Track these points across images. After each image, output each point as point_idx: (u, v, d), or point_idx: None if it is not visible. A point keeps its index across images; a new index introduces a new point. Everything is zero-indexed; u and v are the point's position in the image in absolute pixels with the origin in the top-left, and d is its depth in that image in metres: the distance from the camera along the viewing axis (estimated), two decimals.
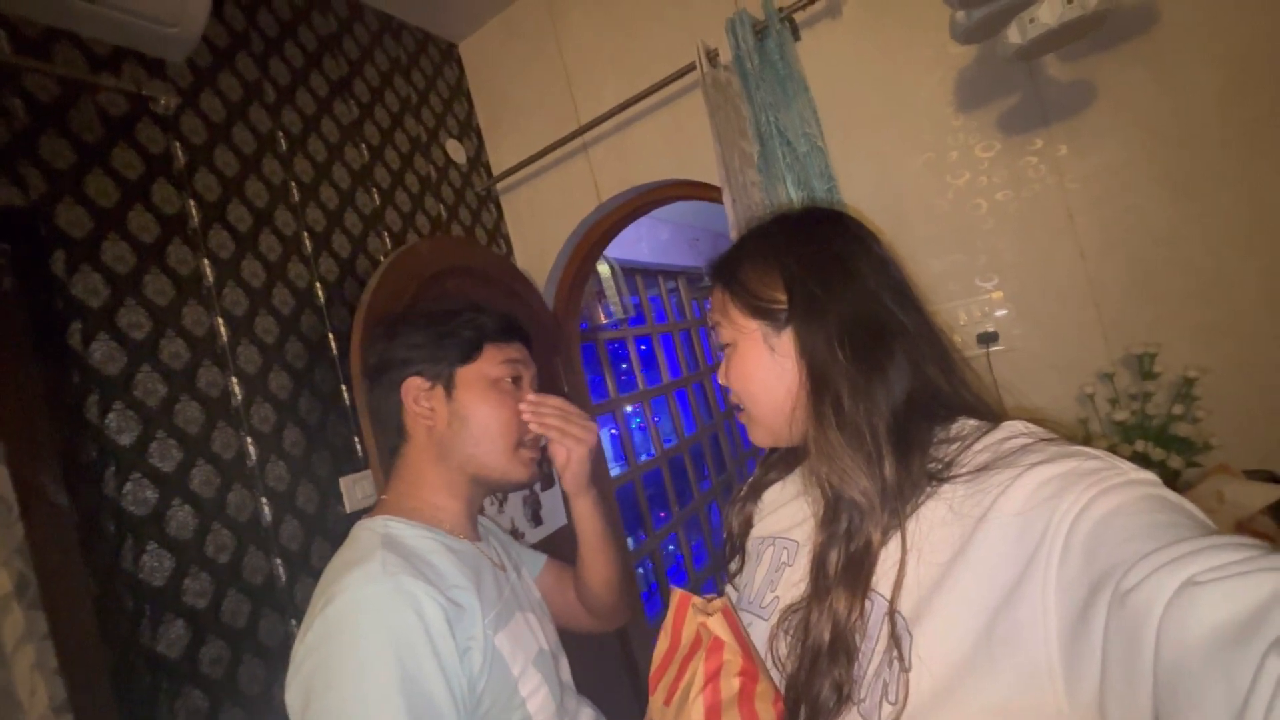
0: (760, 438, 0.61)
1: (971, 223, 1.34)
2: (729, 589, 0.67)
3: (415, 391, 0.76)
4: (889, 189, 1.43)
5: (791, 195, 1.40)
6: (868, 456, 0.49)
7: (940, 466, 0.48)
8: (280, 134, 1.43)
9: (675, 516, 2.90)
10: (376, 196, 1.61)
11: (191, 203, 1.22)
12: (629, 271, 2.83)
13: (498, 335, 0.79)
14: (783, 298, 0.55)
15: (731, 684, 0.49)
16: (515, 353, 0.81)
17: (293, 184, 1.42)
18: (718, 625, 0.53)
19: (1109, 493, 0.37)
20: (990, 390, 0.54)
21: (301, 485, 1.25)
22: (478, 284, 1.69)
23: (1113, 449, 1.14)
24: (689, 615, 0.55)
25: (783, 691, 0.51)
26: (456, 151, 1.92)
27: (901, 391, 0.50)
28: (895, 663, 0.43)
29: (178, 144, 1.23)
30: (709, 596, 0.60)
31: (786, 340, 0.55)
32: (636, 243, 2.96)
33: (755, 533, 0.65)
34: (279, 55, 1.48)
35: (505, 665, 0.66)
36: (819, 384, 0.52)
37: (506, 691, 0.66)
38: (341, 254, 1.48)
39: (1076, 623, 0.35)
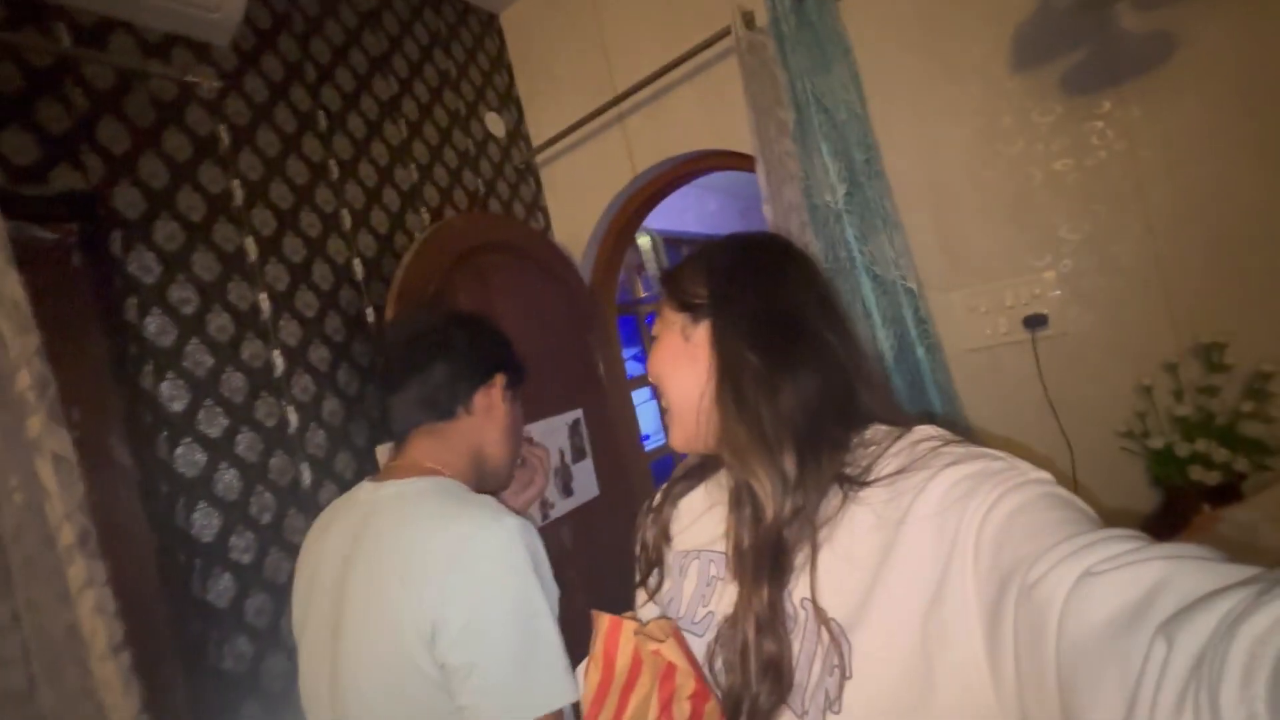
0: (675, 438, 0.62)
1: (1024, 195, 1.23)
2: (649, 605, 0.63)
3: (499, 386, 0.87)
4: (933, 158, 1.33)
5: (828, 165, 1.33)
6: (768, 448, 0.51)
7: (859, 471, 0.49)
8: (320, 112, 1.47)
9: None
10: (415, 172, 1.65)
11: (235, 182, 1.28)
12: (675, 242, 2.79)
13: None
14: (704, 293, 0.59)
15: (683, 708, 0.49)
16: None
17: (332, 161, 1.46)
18: (671, 651, 0.51)
19: (1012, 492, 0.40)
20: (902, 407, 0.54)
21: (340, 453, 1.32)
22: (512, 259, 1.71)
23: (1170, 447, 1.05)
24: (622, 640, 0.53)
25: (723, 703, 0.50)
26: (496, 125, 1.92)
27: (812, 392, 0.52)
28: (836, 670, 0.44)
29: (223, 126, 1.29)
30: (628, 615, 0.58)
31: (701, 332, 0.58)
32: (684, 212, 2.91)
33: (676, 545, 0.64)
34: (320, 33, 1.51)
35: None
36: (724, 374, 0.55)
37: None
38: (380, 230, 1.53)
39: (991, 617, 0.36)
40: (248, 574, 1.14)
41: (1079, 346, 1.20)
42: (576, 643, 0.68)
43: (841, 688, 0.43)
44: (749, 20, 1.44)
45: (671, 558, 0.64)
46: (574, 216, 2.01)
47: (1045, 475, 0.42)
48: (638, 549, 0.67)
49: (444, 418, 0.83)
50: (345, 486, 1.29)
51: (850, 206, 1.32)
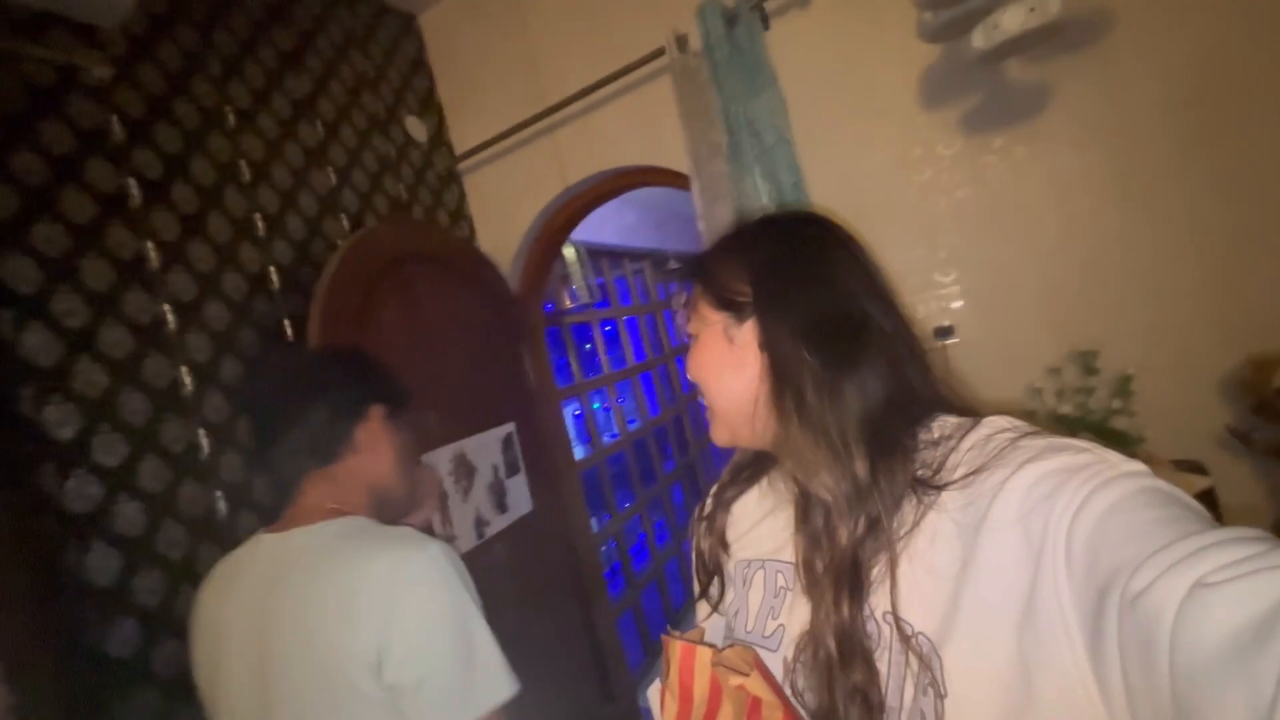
0: (720, 435, 0.59)
1: (932, 219, 1.37)
2: (714, 617, 0.62)
3: (379, 418, 0.85)
4: (853, 184, 1.44)
5: (759, 187, 1.41)
6: (834, 453, 0.48)
7: (930, 473, 0.46)
8: (228, 109, 1.35)
9: (640, 498, 2.93)
10: (333, 176, 1.55)
11: (131, 180, 1.15)
12: (594, 254, 2.81)
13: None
14: (747, 290, 0.54)
15: None
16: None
17: (242, 162, 1.35)
18: (757, 686, 0.48)
19: (1102, 489, 0.36)
20: (965, 387, 0.53)
21: (260, 478, 1.21)
22: (440, 269, 1.66)
23: None
24: (698, 668, 0.51)
25: None
26: (417, 129, 1.85)
27: (878, 392, 0.49)
28: (930, 689, 0.41)
29: (114, 117, 1.15)
30: (683, 634, 0.55)
31: (747, 332, 0.54)
32: (602, 225, 2.93)
33: (736, 554, 0.61)
34: (224, 25, 1.39)
35: None
36: (780, 378, 0.51)
37: None
38: (296, 237, 1.42)
39: (1092, 629, 0.34)
40: (155, 619, 1.02)
41: (980, 353, 1.34)
42: (514, 661, 0.74)
43: (939, 708, 0.41)
44: (682, 43, 1.50)
45: (732, 567, 0.61)
46: (501, 226, 1.97)
47: (1139, 467, 0.38)
48: (694, 559, 0.65)
49: (330, 461, 0.80)
50: (266, 514, 1.19)
51: None
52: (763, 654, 0.52)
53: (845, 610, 0.46)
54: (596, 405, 2.84)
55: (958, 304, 1.36)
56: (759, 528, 0.60)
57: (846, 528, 0.47)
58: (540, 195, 1.89)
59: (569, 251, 2.32)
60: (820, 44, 1.44)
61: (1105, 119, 1.20)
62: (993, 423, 0.46)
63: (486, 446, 1.70)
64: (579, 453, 2.52)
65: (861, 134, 1.43)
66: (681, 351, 3.78)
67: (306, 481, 0.80)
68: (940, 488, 0.45)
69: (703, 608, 0.63)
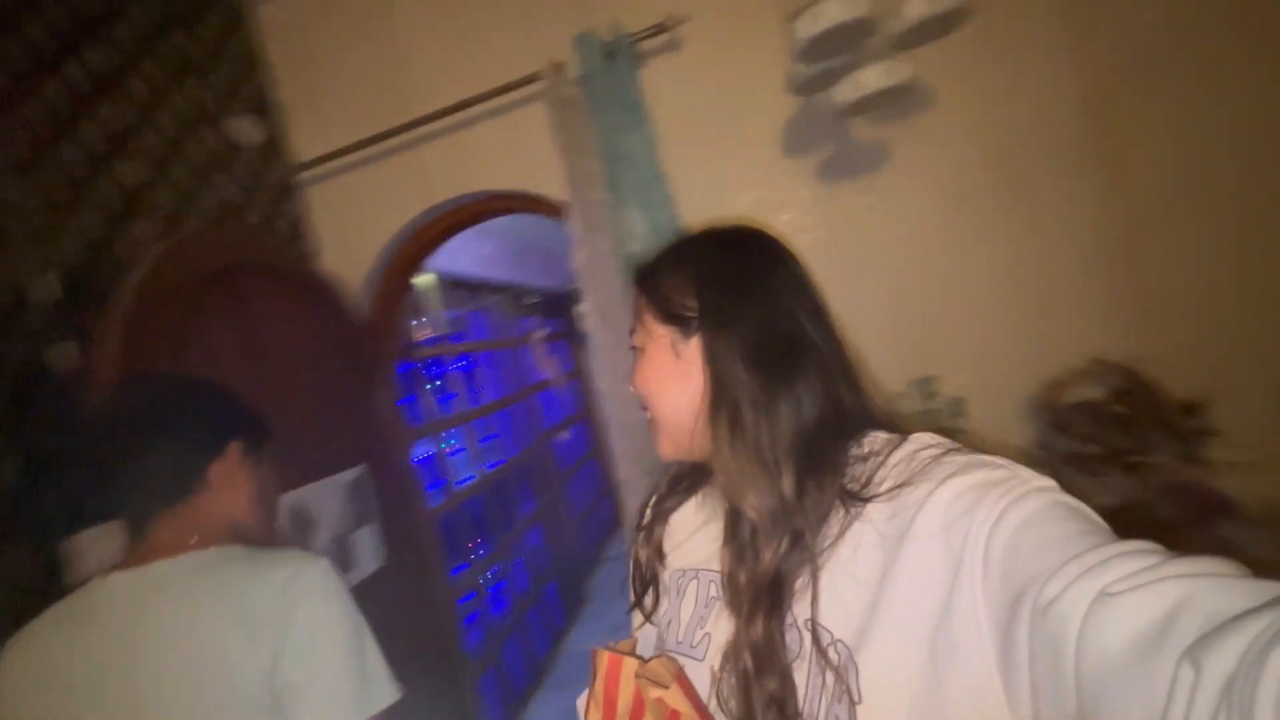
0: (664, 448, 0.60)
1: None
2: (647, 627, 0.62)
3: (235, 455, 0.80)
4: (722, 220, 1.52)
5: (637, 219, 1.43)
6: (766, 471, 0.49)
7: (859, 486, 0.48)
8: None
9: (499, 543, 2.75)
10: (145, 168, 1.29)
11: None
12: (450, 285, 2.66)
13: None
14: (694, 304, 0.55)
15: None
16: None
17: (19, 134, 1.07)
18: (675, 699, 0.48)
19: (1018, 502, 0.39)
20: (892, 403, 0.56)
21: (9, 549, 0.92)
22: (276, 287, 1.44)
23: None
24: (623, 680, 0.51)
25: None
26: (250, 129, 1.63)
27: (811, 409, 0.50)
28: (845, 696, 0.43)
29: None
30: (615, 644, 0.56)
31: (693, 348, 0.55)
32: (458, 253, 2.79)
33: (671, 564, 0.62)
34: None
35: None
36: (719, 394, 0.52)
37: None
38: (93, 235, 1.15)
39: (1004, 637, 0.36)
40: None
41: None
42: None
43: (852, 715, 0.42)
44: (559, 71, 1.49)
45: (667, 577, 0.61)
46: (350, 245, 1.78)
47: (1049, 482, 0.41)
48: (630, 568, 0.65)
49: (181, 500, 0.76)
50: (18, 589, 0.91)
51: None
52: (690, 663, 0.54)
53: (760, 625, 0.47)
54: (452, 446, 2.64)
55: None
56: (694, 538, 0.61)
57: (770, 546, 0.48)
58: (399, 214, 1.75)
59: (424, 279, 2.16)
60: (691, 87, 1.52)
61: (936, 174, 1.40)
62: (918, 439, 0.49)
63: (329, 494, 1.48)
64: (434, 499, 2.30)
65: (730, 175, 1.52)
66: (540, 388, 3.68)
67: (157, 520, 0.75)
68: (867, 500, 0.47)
69: (636, 617, 0.64)
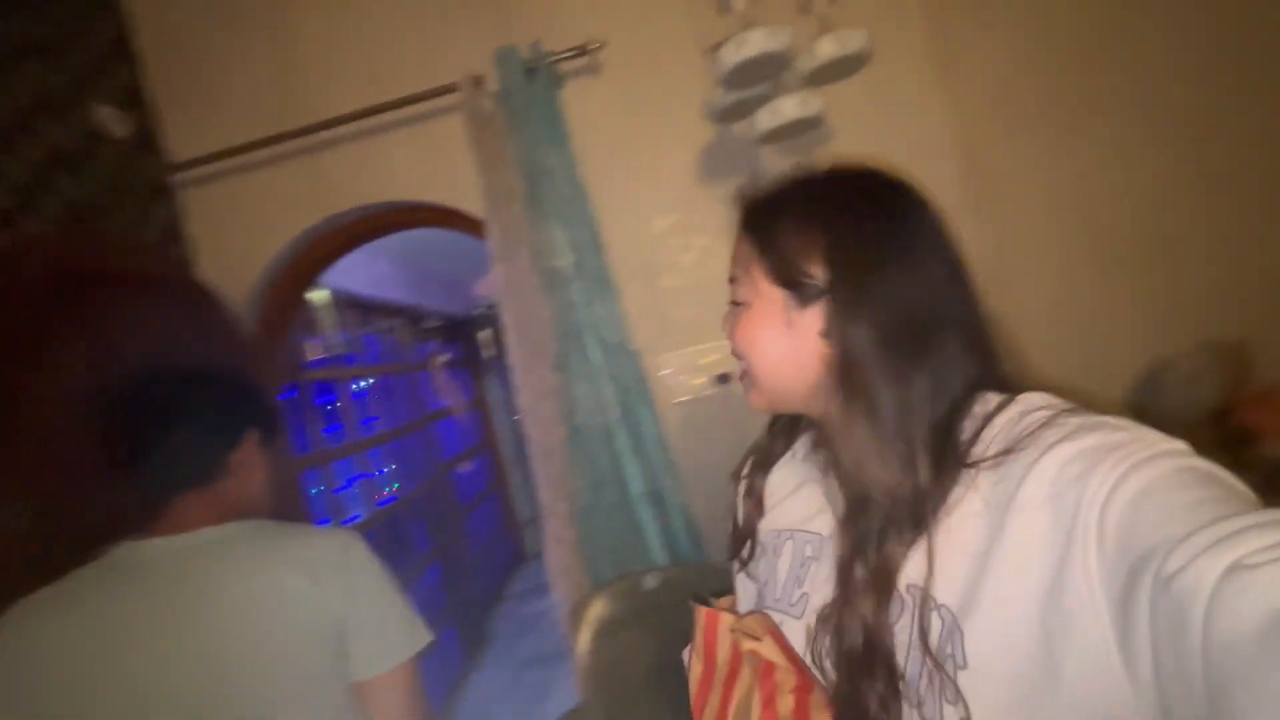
0: (758, 403, 0.58)
1: (710, 278, 1.54)
2: (742, 578, 0.63)
3: (253, 442, 0.85)
4: (644, 241, 1.55)
5: (558, 234, 1.42)
6: (901, 458, 0.46)
7: (963, 447, 0.45)
8: None
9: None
10: None
11: None
12: (344, 304, 2.48)
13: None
14: (818, 271, 0.49)
15: (787, 702, 0.49)
16: None
17: None
18: (770, 650, 0.50)
19: (1139, 468, 0.35)
20: (1019, 356, 0.51)
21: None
22: (148, 297, 1.27)
23: None
24: (720, 634, 0.53)
25: (831, 699, 0.49)
26: (115, 122, 1.44)
27: (948, 387, 0.47)
28: (949, 660, 0.42)
29: None
30: (723, 602, 0.58)
31: (810, 318, 0.50)
32: (353, 271, 2.62)
33: (767, 524, 0.62)
34: None
35: None
36: (851, 378, 0.48)
37: None
38: None
39: (1121, 609, 0.33)
40: None
41: None
42: None
43: (958, 678, 0.41)
44: (478, 84, 1.47)
45: (764, 535, 0.61)
46: (235, 254, 1.62)
47: (1179, 445, 0.37)
48: (731, 523, 0.66)
49: (201, 484, 0.79)
50: None
51: (579, 274, 1.42)
52: (788, 621, 0.54)
53: (870, 607, 0.46)
54: (342, 480, 2.43)
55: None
56: (792, 498, 0.60)
57: (898, 538, 0.46)
58: (292, 223, 1.61)
59: (319, 295, 2.00)
60: (611, 110, 1.55)
61: None
62: (1028, 399, 0.46)
63: None
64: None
65: (650, 199, 1.55)
66: (440, 417, 3.50)
67: (176, 500, 0.78)
68: (972, 466, 0.44)
69: (735, 569, 0.65)
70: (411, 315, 3.29)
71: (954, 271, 0.51)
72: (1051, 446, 0.40)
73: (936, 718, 0.42)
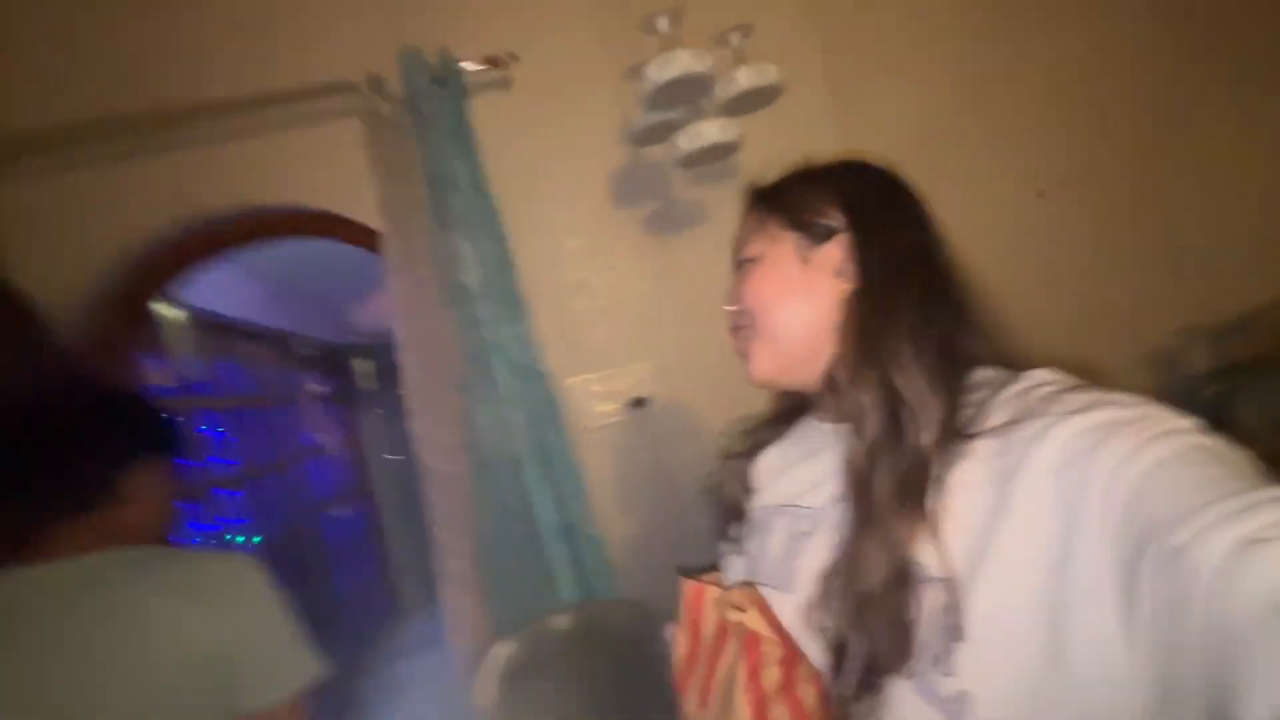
0: (761, 365, 0.57)
1: (624, 302, 1.51)
2: (735, 561, 0.62)
3: (148, 468, 0.82)
4: (556, 260, 1.50)
5: (466, 248, 1.33)
6: (926, 372, 0.47)
7: (967, 419, 0.45)
8: None
9: None
10: None
11: None
12: (201, 325, 2.16)
13: None
14: (834, 213, 0.54)
15: (772, 674, 0.48)
16: None
17: None
18: (755, 622, 0.50)
19: (1149, 444, 0.35)
20: (1017, 341, 0.53)
21: None
22: None
23: None
24: (706, 607, 0.53)
25: (827, 655, 0.47)
26: None
27: (947, 334, 0.50)
28: (949, 630, 0.41)
29: None
30: (709, 577, 0.57)
31: (824, 254, 0.53)
32: (214, 290, 2.31)
33: (759, 501, 0.62)
34: None
35: None
36: (880, 301, 0.50)
37: None
38: None
39: (1126, 583, 0.33)
40: None
41: (670, 422, 1.49)
42: None
43: (956, 650, 0.40)
44: (377, 86, 1.36)
45: (756, 513, 0.61)
46: (60, 259, 1.36)
47: (1189, 423, 0.37)
48: (717, 502, 0.66)
49: (85, 510, 0.76)
50: None
51: (486, 291, 1.34)
52: (780, 596, 0.53)
53: (905, 530, 0.43)
54: (189, 531, 2.07)
55: (650, 378, 1.50)
56: (785, 475, 0.60)
57: (931, 435, 0.45)
58: (137, 225, 1.38)
59: (170, 311, 1.72)
60: (521, 126, 1.50)
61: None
62: (1034, 375, 0.46)
63: None
64: None
65: (561, 217, 1.51)
66: (307, 456, 3.14)
67: (58, 527, 0.75)
68: (975, 435, 0.44)
69: (722, 548, 0.64)
70: (281, 341, 2.96)
71: (945, 242, 0.55)
72: (1060, 419, 0.40)
73: (931, 691, 0.41)
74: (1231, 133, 1.67)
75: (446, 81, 1.36)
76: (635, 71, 1.24)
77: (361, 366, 4.12)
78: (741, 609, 0.51)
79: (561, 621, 1.26)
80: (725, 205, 1.52)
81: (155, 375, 1.71)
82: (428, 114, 1.33)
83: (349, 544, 3.63)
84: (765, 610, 0.52)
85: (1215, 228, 1.65)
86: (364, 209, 1.42)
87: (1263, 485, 0.32)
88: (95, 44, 1.37)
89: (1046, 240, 1.64)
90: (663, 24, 1.10)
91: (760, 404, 1.46)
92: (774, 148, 1.50)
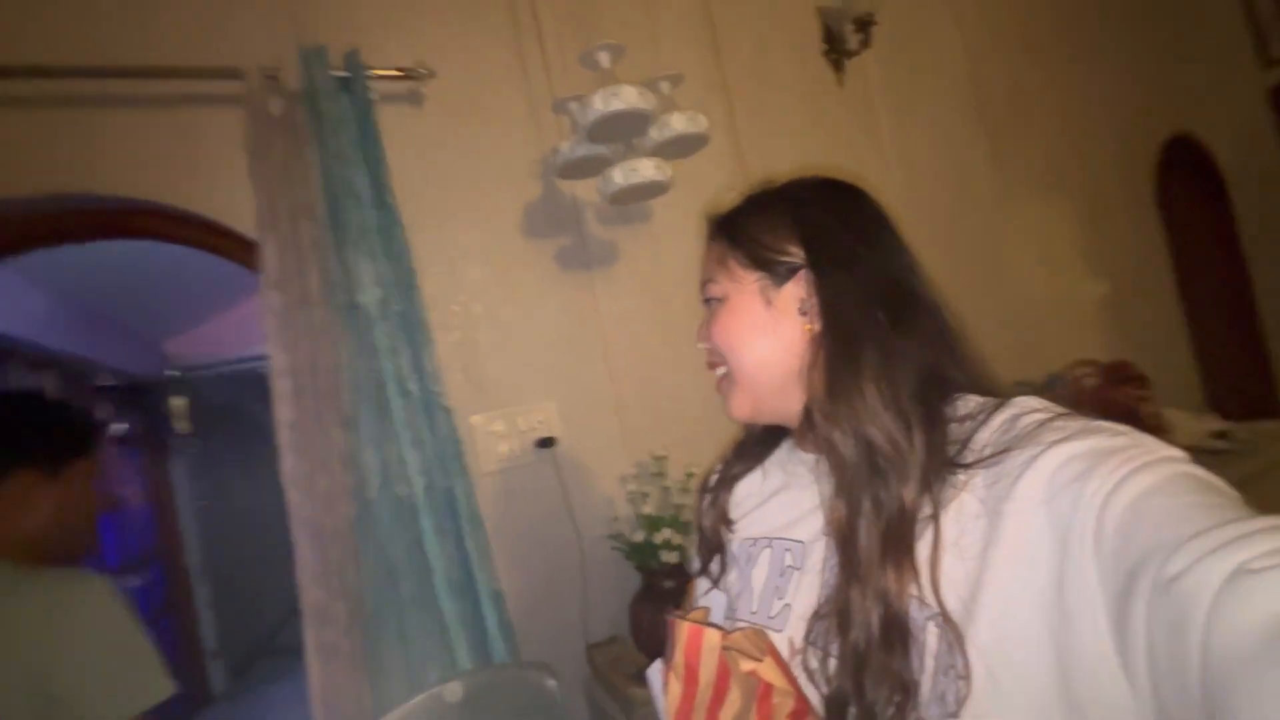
0: (739, 405, 0.57)
1: (532, 337, 1.44)
2: (714, 593, 0.60)
3: (25, 480, 0.84)
4: (460, 288, 1.39)
5: (364, 265, 1.19)
6: (900, 416, 0.45)
7: (955, 450, 0.45)
8: None
9: None
10: None
11: None
12: None
13: None
14: (793, 249, 0.52)
15: None
16: None
17: None
18: (769, 672, 0.46)
19: (1139, 472, 0.35)
20: (992, 369, 0.52)
21: None
22: None
23: (648, 540, 1.34)
24: (705, 651, 0.49)
25: (825, 709, 0.46)
26: None
27: (928, 360, 0.48)
28: (951, 670, 0.40)
29: None
30: (701, 615, 0.54)
31: (787, 295, 0.52)
32: None
33: (740, 533, 0.60)
34: None
35: None
36: (845, 338, 0.49)
37: None
38: None
39: (1118, 611, 0.33)
40: None
41: (578, 460, 1.42)
42: None
43: (959, 689, 0.39)
44: (269, 77, 1.20)
45: (736, 546, 0.60)
46: None
47: (1177, 452, 0.37)
48: (695, 535, 0.64)
49: None
50: None
51: (384, 314, 1.20)
52: (768, 635, 0.51)
53: (894, 582, 0.42)
54: None
55: (558, 417, 1.42)
56: (765, 506, 0.59)
57: (910, 487, 0.44)
58: None
59: None
60: (430, 145, 1.40)
61: (652, 272, 1.56)
62: (1022, 403, 0.46)
63: None
64: None
65: (468, 244, 1.41)
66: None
67: None
68: (966, 466, 0.44)
69: (703, 583, 0.62)
70: (73, 369, 2.41)
71: (914, 264, 0.54)
72: (1050, 446, 0.40)
73: None
74: (1023, 223, 2.06)
75: (353, 84, 1.24)
76: (563, 104, 1.23)
77: (176, 405, 3.49)
78: (755, 658, 0.48)
79: (455, 691, 1.10)
80: (639, 246, 1.54)
81: None
82: (329, 116, 1.20)
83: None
84: (776, 657, 0.49)
85: (1017, 300, 1.99)
86: (233, 212, 1.22)
87: (1250, 514, 0.32)
88: None
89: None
90: (604, 58, 1.10)
91: (674, 445, 1.47)
92: (685, 196, 1.59)
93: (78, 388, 2.39)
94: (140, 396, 3.25)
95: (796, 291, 0.52)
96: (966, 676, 0.39)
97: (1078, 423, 0.41)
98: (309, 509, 1.13)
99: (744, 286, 0.54)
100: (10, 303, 1.97)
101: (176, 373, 3.55)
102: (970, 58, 2.07)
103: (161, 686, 0.81)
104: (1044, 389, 1.80)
